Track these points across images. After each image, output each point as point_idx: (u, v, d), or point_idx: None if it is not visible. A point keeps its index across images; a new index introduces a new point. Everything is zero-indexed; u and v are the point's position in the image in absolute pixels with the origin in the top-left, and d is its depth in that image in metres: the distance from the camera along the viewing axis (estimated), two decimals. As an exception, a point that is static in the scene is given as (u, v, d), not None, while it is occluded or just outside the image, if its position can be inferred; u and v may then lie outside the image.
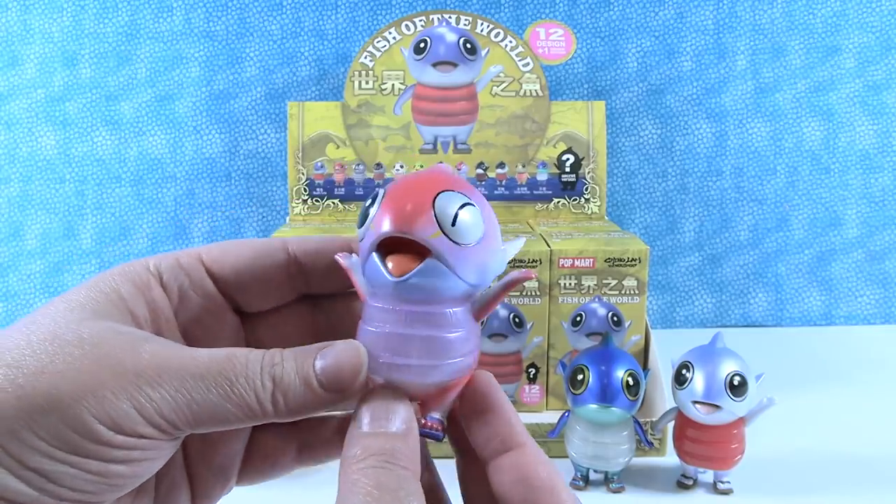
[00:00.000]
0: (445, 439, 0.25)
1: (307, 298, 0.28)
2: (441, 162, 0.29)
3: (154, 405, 0.21)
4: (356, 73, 0.74)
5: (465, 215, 0.23)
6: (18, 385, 0.20)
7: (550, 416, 0.58)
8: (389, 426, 0.22)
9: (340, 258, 0.25)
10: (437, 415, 0.24)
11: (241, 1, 0.83)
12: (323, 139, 0.74)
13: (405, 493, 0.20)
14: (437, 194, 0.23)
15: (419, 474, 0.22)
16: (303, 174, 0.74)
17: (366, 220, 0.23)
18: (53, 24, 0.82)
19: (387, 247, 0.23)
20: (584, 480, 0.54)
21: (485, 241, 0.23)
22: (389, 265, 0.23)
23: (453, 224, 0.22)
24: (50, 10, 0.82)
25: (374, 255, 0.23)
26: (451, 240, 0.23)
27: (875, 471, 0.56)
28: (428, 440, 0.24)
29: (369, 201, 0.24)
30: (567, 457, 0.54)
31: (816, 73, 0.85)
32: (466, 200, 0.23)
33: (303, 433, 0.28)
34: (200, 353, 0.22)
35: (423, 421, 0.24)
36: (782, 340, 0.83)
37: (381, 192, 0.24)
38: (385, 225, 0.23)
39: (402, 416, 0.23)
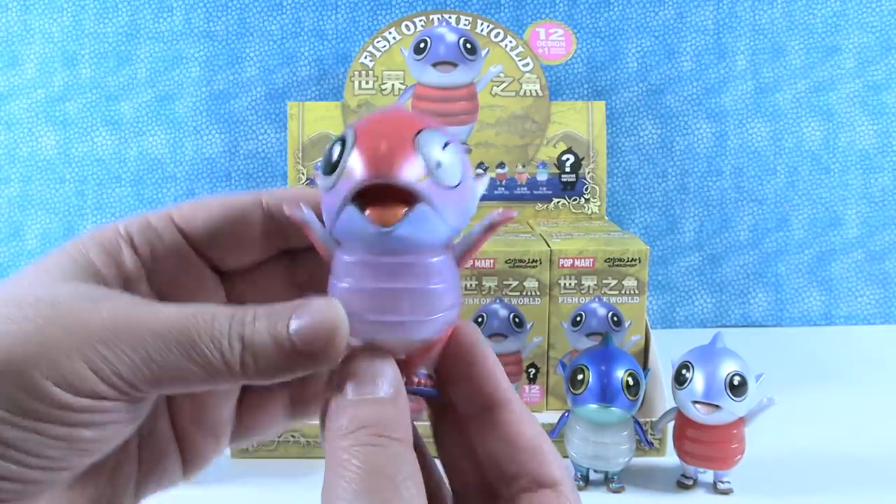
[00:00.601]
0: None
1: (288, 253, 0.26)
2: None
3: (110, 365, 0.19)
4: (356, 73, 0.74)
5: (449, 155, 0.21)
6: None
7: (550, 416, 0.58)
8: (377, 391, 0.20)
9: (291, 210, 0.22)
10: (424, 370, 0.23)
11: (241, 1, 0.83)
12: (323, 139, 0.74)
13: (402, 477, 0.19)
14: (417, 133, 0.21)
15: (411, 441, 0.20)
16: (303, 174, 0.74)
17: (335, 167, 0.21)
18: (53, 24, 0.82)
19: (362, 195, 0.20)
20: (584, 480, 0.54)
21: (464, 182, 0.21)
22: (369, 215, 0.20)
23: (439, 165, 0.20)
24: (50, 10, 0.82)
25: (352, 206, 0.21)
26: (436, 183, 0.21)
27: (875, 471, 0.56)
28: (422, 397, 0.23)
29: (337, 145, 0.21)
30: (567, 457, 0.54)
31: (816, 73, 0.85)
32: (447, 139, 0.21)
33: (294, 388, 0.26)
34: (165, 308, 0.21)
35: (414, 379, 0.23)
36: (782, 340, 0.83)
37: (349, 132, 0.21)
38: (364, 171, 0.20)
39: (389, 379, 0.21)
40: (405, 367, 0.22)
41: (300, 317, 0.21)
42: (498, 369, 0.23)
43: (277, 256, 0.26)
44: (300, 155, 0.74)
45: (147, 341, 0.20)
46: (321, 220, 0.23)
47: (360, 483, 0.19)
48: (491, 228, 0.22)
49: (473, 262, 0.60)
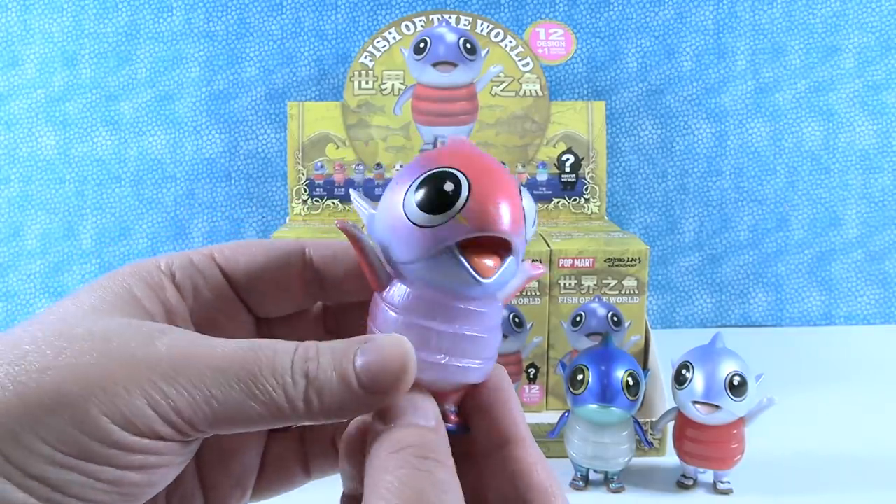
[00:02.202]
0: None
1: (327, 308, 0.26)
2: None
3: (170, 402, 0.18)
4: (356, 73, 0.74)
5: (533, 211, 0.22)
6: (20, 383, 0.18)
7: (550, 416, 0.58)
8: (420, 420, 0.20)
9: (345, 225, 0.22)
10: (451, 407, 0.23)
11: (241, 1, 0.83)
12: (323, 139, 0.74)
13: (447, 497, 0.18)
14: (519, 187, 0.21)
15: (454, 468, 0.20)
16: (303, 174, 0.74)
17: (446, 207, 0.20)
18: (53, 24, 0.82)
19: (464, 243, 0.20)
20: (584, 480, 0.54)
21: (528, 234, 0.22)
22: (473, 263, 0.20)
23: (533, 223, 0.22)
24: (50, 10, 0.82)
25: (456, 251, 0.20)
26: (525, 237, 0.21)
27: (875, 471, 0.56)
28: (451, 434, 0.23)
29: (448, 184, 0.20)
30: (567, 457, 0.54)
31: (816, 73, 0.85)
32: (526, 191, 0.22)
33: (313, 443, 0.26)
34: (223, 343, 0.20)
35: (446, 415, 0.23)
36: (782, 340, 0.83)
37: (459, 176, 0.20)
38: (488, 224, 0.20)
39: (431, 412, 0.21)
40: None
41: (366, 353, 0.20)
42: (518, 409, 0.23)
43: (314, 309, 0.26)
44: (300, 155, 0.74)
45: (207, 377, 0.19)
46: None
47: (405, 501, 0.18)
48: (528, 280, 0.23)
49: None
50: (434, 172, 0.21)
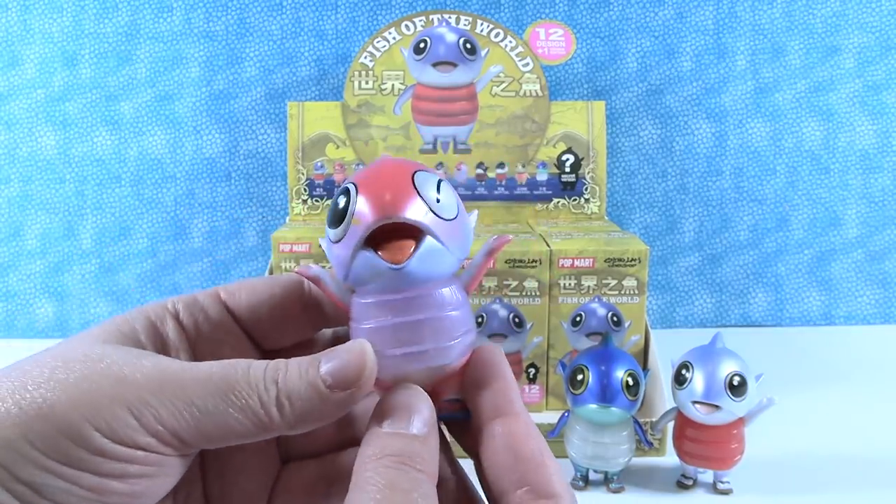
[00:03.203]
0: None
1: (337, 338, 0.27)
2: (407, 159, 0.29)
3: (153, 411, 0.20)
4: (356, 73, 0.74)
5: (444, 191, 0.23)
6: (17, 395, 0.20)
7: (550, 416, 0.58)
8: (410, 427, 0.22)
9: (301, 269, 0.25)
10: (453, 395, 0.24)
11: (241, 1, 0.83)
12: (323, 139, 0.74)
13: (418, 496, 0.20)
14: (413, 175, 0.22)
15: (436, 477, 0.21)
16: (303, 174, 0.74)
17: (342, 218, 0.23)
18: (53, 24, 0.82)
19: (372, 239, 0.22)
20: (583, 480, 0.54)
21: (460, 214, 0.23)
22: (382, 254, 0.22)
23: (438, 201, 0.22)
24: (50, 10, 0.82)
25: (364, 250, 0.22)
26: (439, 217, 0.22)
27: (875, 471, 0.56)
28: (452, 422, 0.24)
29: (341, 198, 0.23)
30: (567, 457, 0.54)
31: (816, 73, 0.85)
32: (439, 177, 0.23)
33: (328, 472, 0.27)
34: (205, 364, 0.22)
35: (444, 405, 0.24)
36: (782, 340, 0.83)
37: (349, 187, 0.23)
38: (373, 214, 0.22)
39: (423, 418, 0.22)
40: (434, 396, 0.23)
41: (329, 359, 0.22)
42: (514, 387, 0.24)
43: (317, 339, 0.27)
44: (300, 155, 0.74)
45: (189, 389, 0.21)
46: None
47: (374, 495, 0.20)
48: (490, 254, 0.24)
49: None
50: (335, 195, 0.23)
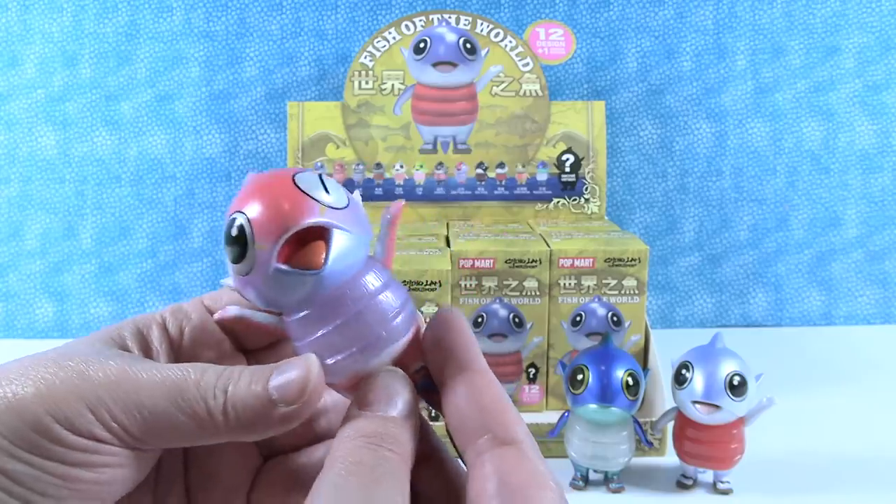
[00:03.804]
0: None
1: None
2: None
3: (108, 409, 0.22)
4: (356, 73, 0.74)
5: (328, 183, 0.23)
6: None
7: (550, 416, 0.58)
8: (388, 410, 0.22)
9: (220, 315, 0.25)
10: (419, 364, 0.24)
11: (241, 1, 0.83)
12: (323, 139, 0.74)
13: (382, 472, 0.20)
14: (293, 180, 0.22)
15: (409, 459, 0.22)
16: (303, 174, 0.74)
17: (244, 249, 0.22)
18: (53, 24, 0.82)
19: (280, 256, 0.22)
20: (583, 480, 0.54)
21: (350, 198, 0.23)
22: (296, 264, 0.22)
23: (328, 193, 0.22)
24: (50, 10, 0.82)
25: (277, 270, 0.22)
26: (335, 209, 0.22)
27: (875, 471, 0.56)
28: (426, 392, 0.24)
29: (234, 232, 0.22)
30: (567, 457, 0.54)
31: (816, 73, 0.85)
32: (318, 173, 0.23)
33: (307, 464, 0.27)
34: (164, 366, 0.23)
35: (414, 377, 0.24)
36: (782, 340, 0.83)
37: (236, 218, 0.22)
38: (275, 233, 0.22)
39: (403, 400, 0.23)
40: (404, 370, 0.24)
41: (279, 372, 0.23)
42: (475, 346, 0.24)
43: None
44: (300, 155, 0.74)
45: (143, 390, 0.22)
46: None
47: (340, 471, 0.20)
48: (392, 223, 0.24)
49: (473, 262, 0.60)
50: (225, 232, 0.23)
